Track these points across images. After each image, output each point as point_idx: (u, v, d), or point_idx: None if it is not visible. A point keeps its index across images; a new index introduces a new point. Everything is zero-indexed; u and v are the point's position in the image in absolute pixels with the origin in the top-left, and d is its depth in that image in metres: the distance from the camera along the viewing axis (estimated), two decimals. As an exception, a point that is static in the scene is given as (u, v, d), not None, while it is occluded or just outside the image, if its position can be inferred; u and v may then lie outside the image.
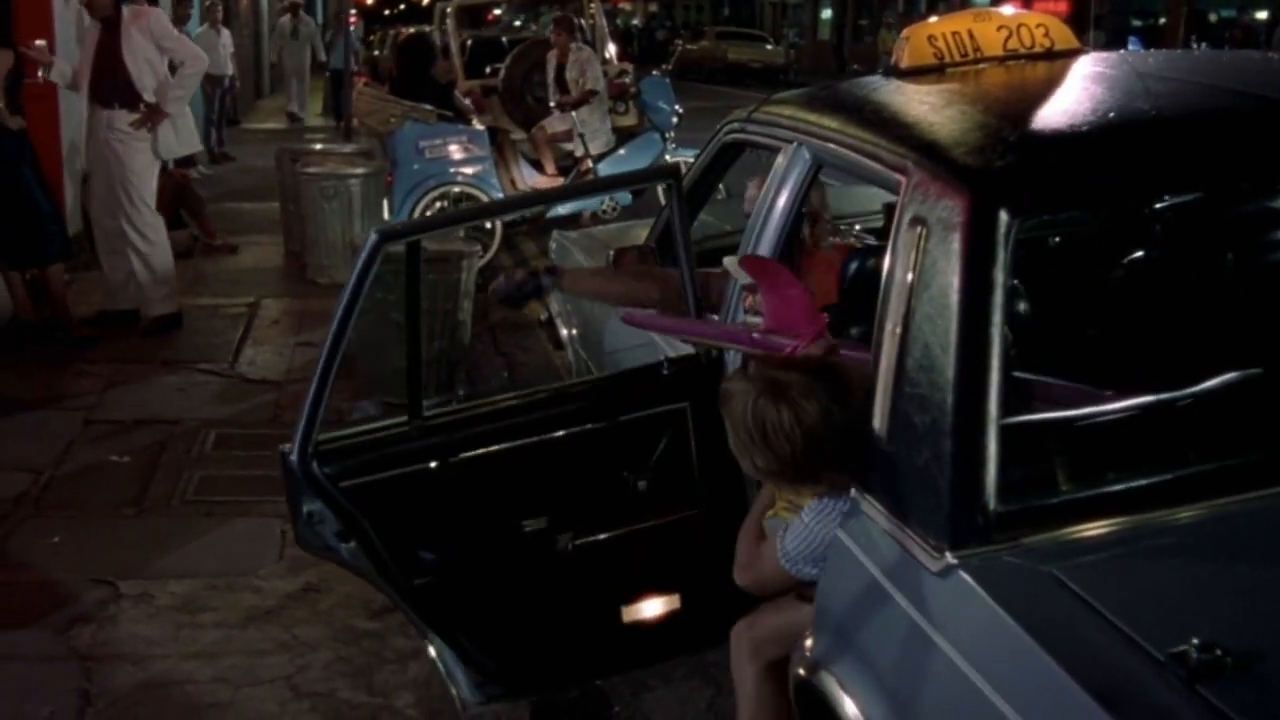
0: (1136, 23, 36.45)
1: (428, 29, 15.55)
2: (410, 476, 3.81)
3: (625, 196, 12.59)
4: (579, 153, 12.51)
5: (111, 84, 8.94)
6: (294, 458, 3.71)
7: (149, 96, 8.96)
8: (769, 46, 48.70)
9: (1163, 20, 36.36)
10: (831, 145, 3.68)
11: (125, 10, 8.95)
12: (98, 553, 5.76)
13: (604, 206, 12.38)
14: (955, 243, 2.85)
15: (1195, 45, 25.37)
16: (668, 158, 12.48)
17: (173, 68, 9.18)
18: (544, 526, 3.88)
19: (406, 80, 12.46)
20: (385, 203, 11.44)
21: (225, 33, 19.48)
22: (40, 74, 9.12)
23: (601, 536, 3.94)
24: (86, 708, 4.61)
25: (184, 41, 9.77)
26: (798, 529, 3.24)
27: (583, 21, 14.32)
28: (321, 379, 3.71)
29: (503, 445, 3.87)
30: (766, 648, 3.55)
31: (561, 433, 3.92)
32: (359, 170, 11.10)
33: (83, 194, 11.50)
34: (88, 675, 4.80)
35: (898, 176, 3.18)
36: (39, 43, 9.26)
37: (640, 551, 3.99)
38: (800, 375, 3.17)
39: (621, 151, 12.75)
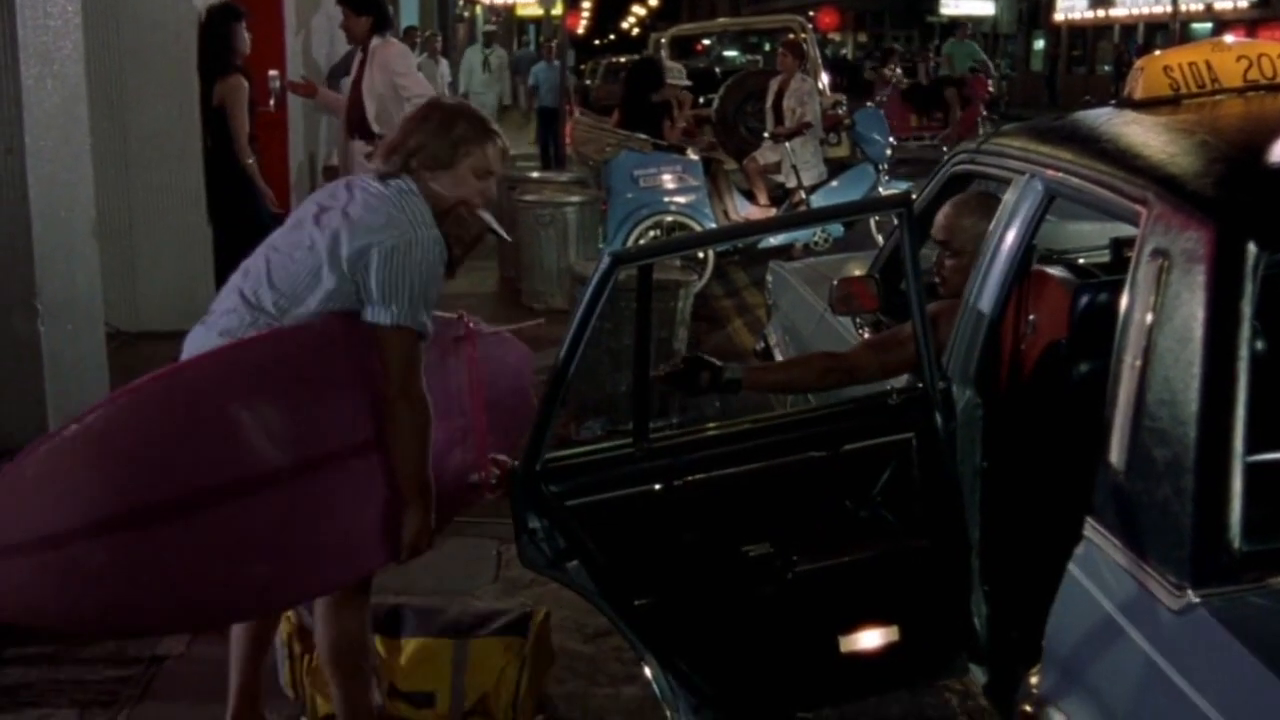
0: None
1: (652, 54, 15.75)
2: (634, 498, 3.84)
3: (837, 228, 12.56)
4: (790, 184, 12.51)
5: (353, 114, 9.11)
6: (521, 474, 3.77)
7: (376, 128, 8.94)
8: (981, 78, 48.16)
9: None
10: (1065, 176, 3.63)
11: (375, 40, 8.99)
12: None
13: (816, 239, 12.36)
14: (1200, 275, 2.80)
15: None
16: (880, 190, 12.44)
17: None
18: (766, 552, 3.88)
19: (632, 102, 12.60)
20: (600, 230, 11.57)
21: (444, 63, 19.88)
22: (272, 104, 9.41)
23: (822, 565, 3.92)
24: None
25: (416, 77, 9.39)
26: None
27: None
28: (550, 397, 3.77)
29: (726, 470, 3.88)
30: None
31: (786, 459, 3.92)
32: (575, 198, 11.23)
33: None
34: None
35: (1137, 208, 3.13)
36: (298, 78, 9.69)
37: (861, 582, 3.97)
38: None
39: (834, 183, 12.71)
